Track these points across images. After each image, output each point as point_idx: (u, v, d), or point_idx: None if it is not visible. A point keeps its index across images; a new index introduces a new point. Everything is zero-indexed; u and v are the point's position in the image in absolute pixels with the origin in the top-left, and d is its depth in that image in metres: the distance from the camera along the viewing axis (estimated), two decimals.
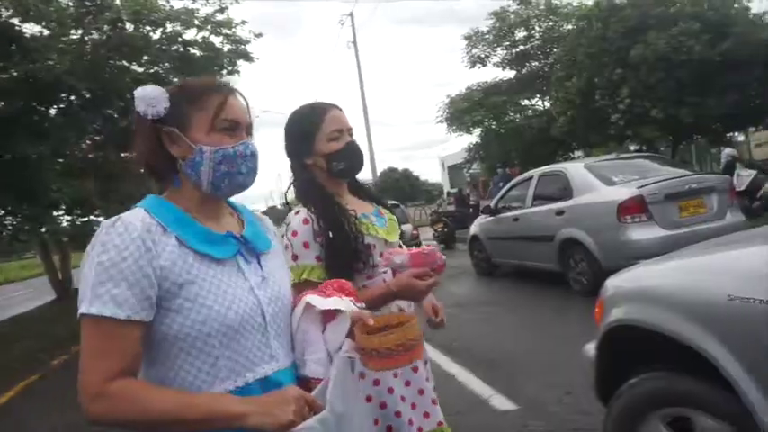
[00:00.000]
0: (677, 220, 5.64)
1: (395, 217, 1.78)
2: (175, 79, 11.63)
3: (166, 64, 10.85)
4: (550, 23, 18.37)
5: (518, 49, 19.13)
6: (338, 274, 1.41)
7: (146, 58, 10.55)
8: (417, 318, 1.20)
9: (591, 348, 2.30)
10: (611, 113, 11.02)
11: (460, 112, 19.26)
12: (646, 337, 1.90)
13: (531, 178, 7.46)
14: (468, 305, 6.77)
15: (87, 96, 9.54)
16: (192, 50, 10.96)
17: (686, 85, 10.00)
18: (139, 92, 1.07)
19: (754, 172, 9.84)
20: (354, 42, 24.04)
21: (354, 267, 1.54)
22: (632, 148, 13.41)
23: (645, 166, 6.72)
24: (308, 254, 1.52)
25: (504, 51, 19.46)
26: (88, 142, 11.25)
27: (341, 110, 1.65)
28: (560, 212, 6.47)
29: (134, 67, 10.61)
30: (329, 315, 1.16)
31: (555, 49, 16.01)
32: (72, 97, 9.74)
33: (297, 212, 1.57)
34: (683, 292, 1.78)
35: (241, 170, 1.11)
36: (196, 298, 1.01)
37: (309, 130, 1.60)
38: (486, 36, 19.22)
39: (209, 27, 10.80)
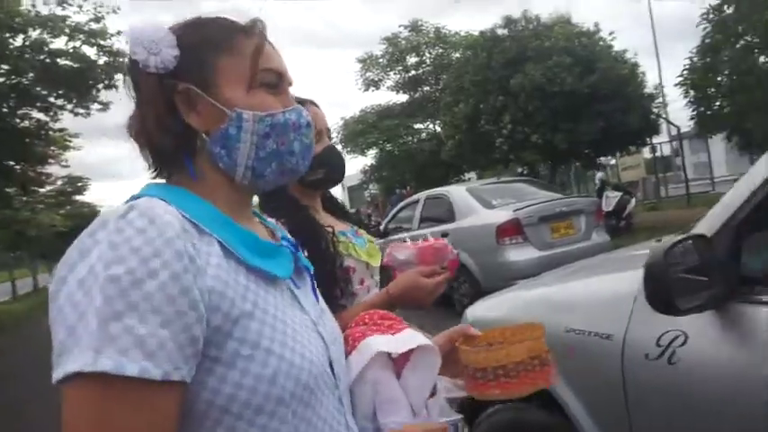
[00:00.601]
0: (549, 241, 5.94)
1: (373, 239, 1.52)
2: (44, 92, 10.67)
3: (30, 74, 9.88)
4: (440, 51, 19.21)
5: (410, 74, 19.84)
6: None
7: (5, 66, 9.55)
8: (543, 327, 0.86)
9: None
10: (496, 138, 11.62)
11: (355, 134, 19.48)
12: None
13: (418, 201, 7.56)
14: None
15: None
16: (60, 61, 10.08)
17: (560, 112, 10.79)
18: (132, 30, 0.70)
19: (620, 194, 10.77)
20: None
21: (331, 294, 1.24)
22: (519, 170, 14.19)
23: (522, 189, 7.06)
24: None
25: (397, 75, 20.13)
26: None
27: (318, 107, 1.37)
28: (444, 234, 6.57)
29: None
30: (402, 358, 0.84)
31: (444, 76, 16.67)
32: None
33: None
34: None
35: (293, 148, 0.74)
36: (259, 340, 0.63)
37: None
38: (380, 60, 19.71)
39: (80, 36, 10.00)
